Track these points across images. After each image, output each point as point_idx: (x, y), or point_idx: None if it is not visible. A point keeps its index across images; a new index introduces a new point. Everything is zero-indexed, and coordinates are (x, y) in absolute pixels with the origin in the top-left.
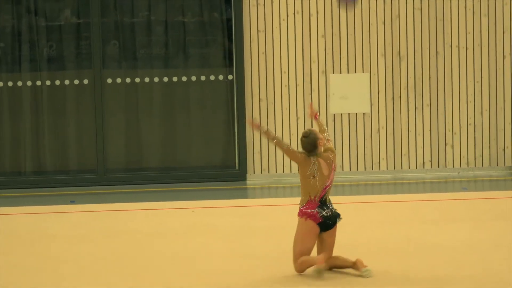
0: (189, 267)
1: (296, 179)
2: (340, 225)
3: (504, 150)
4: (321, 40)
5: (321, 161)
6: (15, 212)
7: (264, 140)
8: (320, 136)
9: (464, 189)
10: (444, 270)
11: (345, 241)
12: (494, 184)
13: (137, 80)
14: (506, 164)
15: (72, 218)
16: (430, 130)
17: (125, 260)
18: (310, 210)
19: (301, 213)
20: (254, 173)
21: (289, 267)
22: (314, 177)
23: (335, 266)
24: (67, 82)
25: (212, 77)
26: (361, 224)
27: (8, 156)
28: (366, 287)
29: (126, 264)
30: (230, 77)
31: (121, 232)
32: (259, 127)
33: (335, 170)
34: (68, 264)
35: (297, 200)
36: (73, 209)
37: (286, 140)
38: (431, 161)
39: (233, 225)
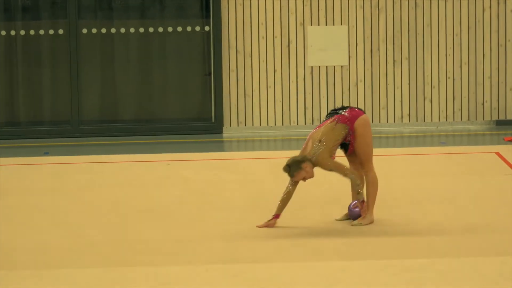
0: (162, 219)
1: (273, 132)
2: (313, 180)
3: (483, 104)
4: None
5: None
6: None
7: (241, 93)
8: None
9: (443, 144)
10: (422, 222)
11: (317, 196)
12: (472, 138)
13: (113, 30)
14: (485, 119)
15: (45, 170)
16: (409, 83)
17: (99, 212)
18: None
19: (356, 113)
20: (230, 126)
21: (264, 219)
22: None
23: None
24: (41, 32)
25: (188, 28)
26: (336, 178)
27: None
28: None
29: (100, 216)
30: (206, 28)
31: (96, 184)
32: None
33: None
34: (41, 216)
35: (274, 153)
36: (46, 160)
37: (263, 92)
38: (409, 115)
39: (208, 178)
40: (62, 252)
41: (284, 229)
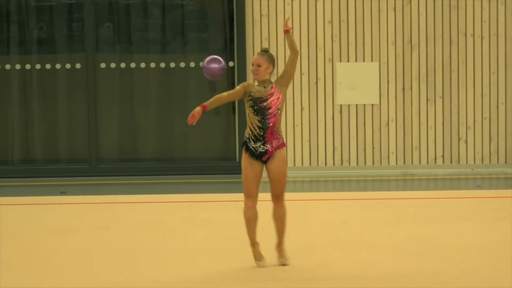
0: (182, 263)
1: (300, 173)
2: (346, 223)
3: None
4: (328, 26)
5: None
6: (1, 203)
7: None
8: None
9: (478, 187)
10: (451, 270)
11: (351, 239)
12: (510, 182)
13: (133, 65)
14: None
15: (62, 210)
16: (443, 123)
17: (116, 255)
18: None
19: (283, 144)
20: None
21: (292, 261)
22: None
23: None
24: (58, 66)
25: None
26: (368, 222)
27: None
28: (365, 286)
29: (117, 259)
30: (231, 63)
31: (114, 225)
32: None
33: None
34: (56, 259)
35: (299, 195)
36: (63, 200)
37: (289, 131)
38: (443, 156)
39: (230, 220)
40: None
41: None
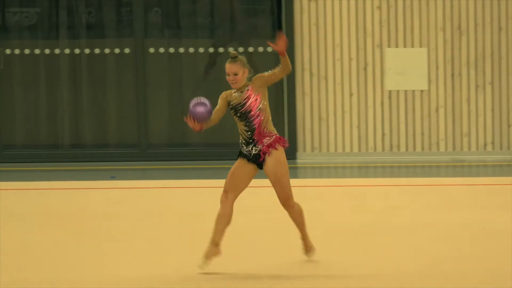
0: (237, 246)
1: (349, 159)
2: (394, 208)
3: None
4: (376, 12)
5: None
6: (51, 187)
7: (316, 117)
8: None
9: None
10: (502, 258)
11: (401, 225)
12: None
13: (181, 50)
14: None
15: (111, 195)
16: (492, 110)
17: (166, 240)
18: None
19: (282, 140)
20: (304, 151)
21: (337, 252)
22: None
23: None
24: (107, 50)
25: (260, 49)
26: (418, 208)
27: (45, 128)
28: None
29: (166, 244)
30: None
31: (163, 210)
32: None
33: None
34: (106, 243)
35: (348, 181)
36: (113, 185)
37: (338, 117)
38: (493, 142)
39: (279, 206)
40: (130, 282)
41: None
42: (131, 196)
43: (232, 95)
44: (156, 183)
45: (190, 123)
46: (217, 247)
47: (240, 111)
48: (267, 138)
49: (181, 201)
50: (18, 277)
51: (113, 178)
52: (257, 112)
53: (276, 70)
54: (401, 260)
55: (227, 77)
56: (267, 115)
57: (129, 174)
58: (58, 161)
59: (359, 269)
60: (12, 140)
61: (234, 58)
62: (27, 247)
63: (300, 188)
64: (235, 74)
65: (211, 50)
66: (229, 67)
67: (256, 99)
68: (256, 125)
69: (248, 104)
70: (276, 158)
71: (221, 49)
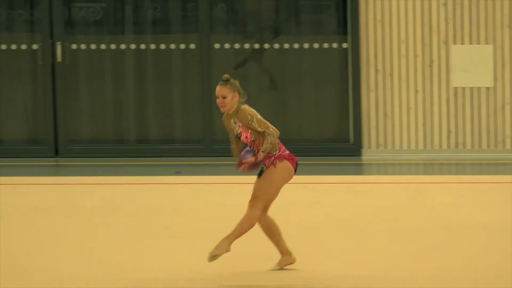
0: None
1: (414, 156)
2: (460, 206)
3: None
4: (442, 8)
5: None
6: (117, 182)
7: (381, 114)
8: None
9: None
10: None
11: (464, 222)
12: None
13: (246, 46)
14: None
15: (177, 190)
16: None
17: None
18: (287, 152)
19: (282, 157)
20: (369, 148)
21: (404, 248)
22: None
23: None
24: (172, 46)
25: (325, 45)
26: (482, 205)
27: (110, 123)
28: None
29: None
30: (344, 45)
31: (228, 205)
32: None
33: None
34: (170, 239)
35: (414, 178)
36: (178, 180)
37: (404, 114)
38: None
39: (345, 203)
40: (195, 273)
41: None
42: (196, 191)
43: (230, 121)
44: (221, 179)
45: (242, 168)
46: (290, 255)
47: (239, 138)
48: (268, 159)
49: (245, 197)
50: (83, 273)
51: (178, 173)
52: (251, 143)
53: (265, 131)
54: (463, 256)
55: (217, 100)
56: (262, 140)
57: (194, 169)
58: (124, 156)
59: (421, 270)
60: (77, 135)
61: (225, 81)
62: (93, 242)
63: (365, 184)
64: (224, 97)
65: (276, 46)
66: (218, 89)
67: (247, 136)
68: (256, 151)
69: (242, 137)
70: (266, 173)
71: (286, 45)
